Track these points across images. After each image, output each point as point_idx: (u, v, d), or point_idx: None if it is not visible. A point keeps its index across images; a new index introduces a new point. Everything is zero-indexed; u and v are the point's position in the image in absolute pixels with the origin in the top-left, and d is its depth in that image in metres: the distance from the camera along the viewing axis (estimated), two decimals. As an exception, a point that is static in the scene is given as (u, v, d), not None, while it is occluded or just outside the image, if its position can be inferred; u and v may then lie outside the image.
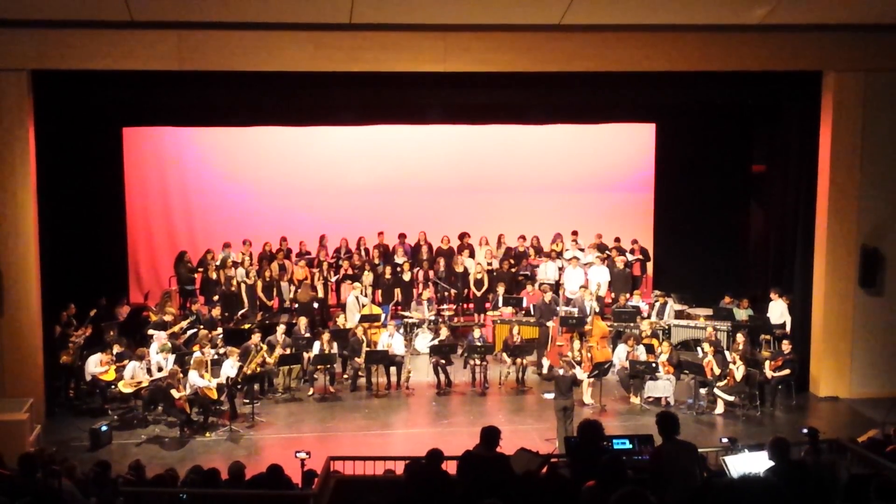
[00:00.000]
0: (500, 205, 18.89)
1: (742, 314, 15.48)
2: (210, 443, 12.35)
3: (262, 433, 12.69)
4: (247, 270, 16.79)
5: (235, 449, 12.07)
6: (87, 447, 11.92)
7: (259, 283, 16.72)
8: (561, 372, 12.08)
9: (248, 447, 12.17)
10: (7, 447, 9.54)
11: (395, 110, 16.02)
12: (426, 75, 13.37)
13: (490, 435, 7.20)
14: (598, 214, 18.92)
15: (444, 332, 14.95)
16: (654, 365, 13.74)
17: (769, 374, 13.56)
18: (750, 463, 7.47)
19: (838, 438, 9.74)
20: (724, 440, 9.50)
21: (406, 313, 16.70)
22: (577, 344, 13.89)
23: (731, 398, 13.31)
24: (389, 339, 14.70)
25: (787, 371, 13.61)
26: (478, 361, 14.61)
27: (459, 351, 15.01)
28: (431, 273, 17.46)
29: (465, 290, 17.36)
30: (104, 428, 12.23)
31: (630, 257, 17.73)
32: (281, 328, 14.51)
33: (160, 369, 13.35)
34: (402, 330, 15.80)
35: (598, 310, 15.44)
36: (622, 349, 14.22)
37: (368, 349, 14.58)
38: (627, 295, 16.30)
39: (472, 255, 17.91)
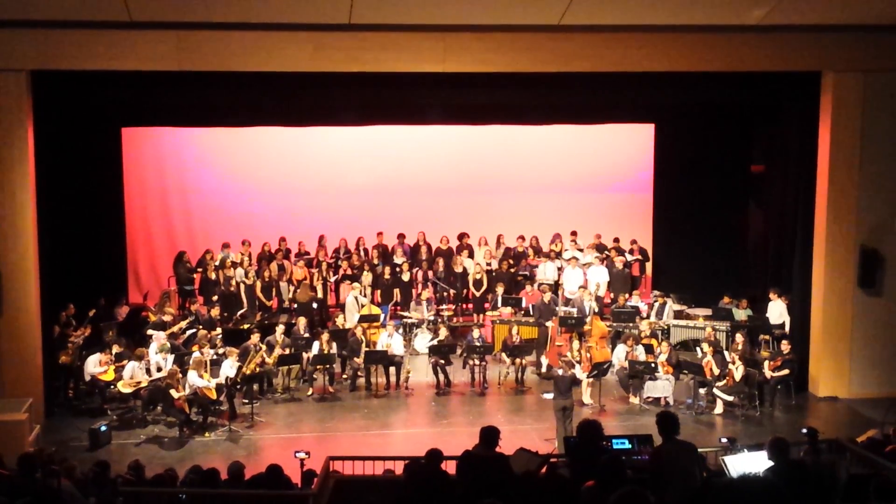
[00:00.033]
0: (499, 205, 18.89)
1: (741, 314, 15.49)
2: (209, 443, 12.35)
3: (261, 433, 12.69)
4: (246, 271, 16.78)
5: (235, 449, 12.07)
6: (87, 447, 11.91)
7: (258, 284, 16.72)
8: (560, 372, 12.08)
9: (248, 447, 12.17)
10: (6, 447, 9.53)
11: (395, 110, 16.03)
12: (426, 75, 13.37)
13: (489, 435, 7.20)
14: (597, 215, 18.92)
15: (443, 333, 14.94)
16: (653, 365, 13.74)
17: (768, 374, 13.56)
18: (749, 463, 7.47)
19: (837, 438, 9.75)
20: (724, 440, 9.49)
21: (405, 313, 16.70)
22: (576, 344, 13.90)
23: (730, 398, 13.32)
24: (389, 340, 14.70)
25: (786, 371, 13.61)
26: (477, 361, 14.61)
27: (459, 351, 15.01)
28: (430, 273, 17.46)
29: (465, 291, 17.36)
30: (103, 428, 12.23)
31: (629, 257, 17.73)
32: (280, 328, 14.51)
33: (159, 369, 13.34)
34: (401, 330, 15.80)
35: (597, 310, 15.45)
36: (621, 349, 14.23)
37: (367, 349, 14.58)
38: (626, 295, 16.30)
39: (471, 256, 17.91)
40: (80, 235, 15.18)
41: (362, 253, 17.78)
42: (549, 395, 12.99)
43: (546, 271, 17.15)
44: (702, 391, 13.53)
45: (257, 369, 13.58)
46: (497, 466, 6.73)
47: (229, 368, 13.06)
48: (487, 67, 13.31)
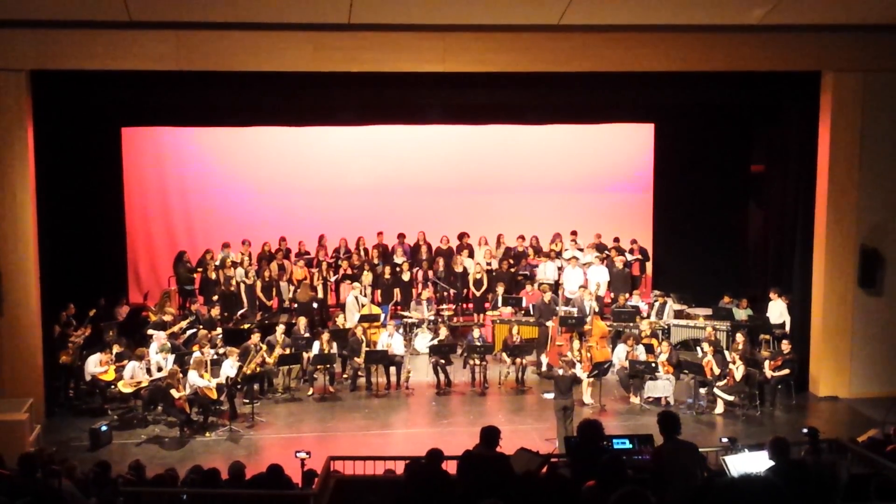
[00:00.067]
0: (499, 205, 18.89)
1: (741, 314, 15.49)
2: (210, 443, 12.35)
3: (261, 433, 12.70)
4: (246, 270, 16.79)
5: (235, 449, 12.08)
6: (87, 447, 11.92)
7: (258, 283, 16.72)
8: (560, 372, 12.09)
9: (248, 447, 12.17)
10: (7, 447, 9.53)
11: (395, 110, 16.03)
12: (426, 75, 13.37)
13: (490, 435, 7.20)
14: (597, 214, 18.92)
15: (443, 332, 14.95)
16: (653, 365, 13.74)
17: (769, 373, 13.56)
18: (750, 463, 7.47)
19: (838, 438, 9.76)
20: (724, 440, 9.49)
21: (405, 313, 16.70)
22: (576, 344, 13.91)
23: (730, 398, 13.32)
24: (389, 339, 14.70)
25: (786, 371, 13.61)
26: (477, 361, 14.61)
27: (459, 351, 15.01)
28: (431, 273, 17.45)
29: (465, 290, 17.36)
30: (104, 428, 12.23)
31: (629, 257, 17.73)
32: (280, 328, 14.51)
33: (160, 369, 13.35)
34: (401, 330, 15.81)
35: (597, 310, 15.45)
36: (622, 349, 14.23)
37: (368, 349, 14.58)
38: (627, 295, 16.31)
39: (471, 255, 17.91)
40: (80, 235, 15.18)
41: (362, 253, 17.78)
42: (550, 395, 12.99)
43: (546, 271, 17.16)
44: (702, 391, 13.53)
45: (258, 369, 13.58)
46: (498, 466, 6.72)
47: (230, 368, 13.06)
48: (487, 67, 13.31)
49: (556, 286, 16.74)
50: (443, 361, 14.45)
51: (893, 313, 14.20)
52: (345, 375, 14.80)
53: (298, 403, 13.93)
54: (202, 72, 12.98)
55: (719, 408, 13.37)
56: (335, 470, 9.27)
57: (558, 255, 17.69)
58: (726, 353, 13.86)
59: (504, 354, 15.02)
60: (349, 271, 17.21)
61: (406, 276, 17.19)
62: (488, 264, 17.48)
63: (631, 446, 7.83)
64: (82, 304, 14.50)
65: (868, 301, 14.15)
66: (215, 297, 16.31)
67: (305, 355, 14.46)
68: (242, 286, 16.61)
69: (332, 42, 12.97)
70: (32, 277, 12.78)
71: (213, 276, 16.63)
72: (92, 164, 15.89)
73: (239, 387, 13.29)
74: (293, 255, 17.69)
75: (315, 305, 16.69)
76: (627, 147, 19.09)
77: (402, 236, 18.23)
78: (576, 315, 15.14)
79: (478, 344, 14.58)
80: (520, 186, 18.87)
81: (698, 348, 14.27)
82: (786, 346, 13.86)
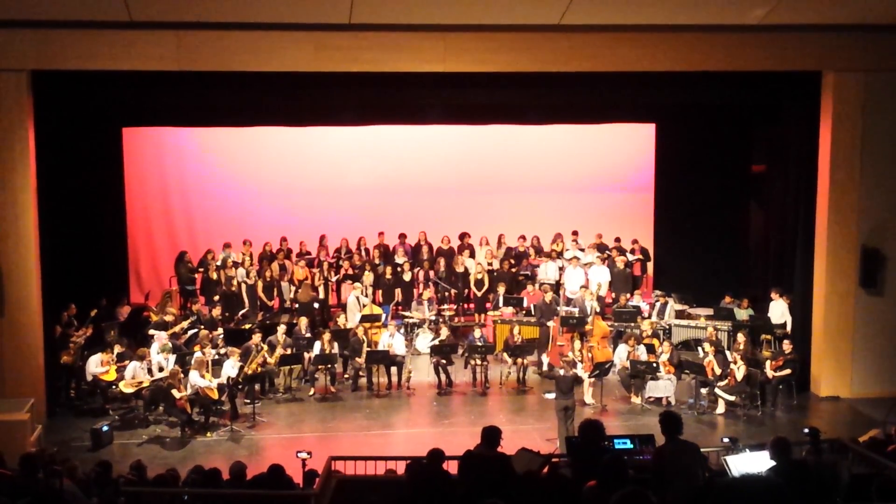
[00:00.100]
0: (500, 205, 18.90)
1: (743, 314, 15.49)
2: (211, 443, 12.35)
3: (263, 433, 12.70)
4: (247, 270, 16.80)
5: (236, 449, 12.08)
6: (89, 447, 11.92)
7: (259, 284, 16.73)
8: (562, 372, 12.08)
9: (250, 447, 12.17)
10: (8, 447, 9.53)
11: (395, 110, 16.04)
12: (426, 75, 13.36)
13: (491, 435, 7.19)
14: (598, 214, 18.93)
15: (444, 332, 14.95)
16: (654, 365, 13.74)
17: (770, 373, 13.55)
18: (751, 463, 7.46)
19: (839, 438, 9.75)
20: (726, 440, 9.48)
21: (407, 313, 16.70)
22: (577, 344, 13.90)
23: (731, 398, 13.31)
24: (390, 339, 14.70)
25: (787, 371, 13.60)
26: (478, 361, 14.61)
27: (460, 351, 15.01)
28: (432, 273, 17.45)
29: (466, 290, 17.36)
30: (105, 428, 12.23)
31: (630, 257, 17.73)
32: (281, 328, 14.50)
33: (161, 369, 13.35)
34: (402, 330, 15.81)
35: (598, 310, 15.45)
36: (623, 349, 14.22)
37: (369, 349, 14.58)
38: (628, 295, 16.30)
39: (472, 255, 17.91)
40: (81, 235, 15.19)
41: (363, 253, 17.78)
42: (551, 395, 12.99)
43: (547, 271, 17.16)
44: (703, 391, 13.52)
45: (259, 369, 13.58)
46: (499, 466, 6.73)
47: (231, 368, 13.07)
48: (488, 67, 13.31)
49: (557, 286, 16.75)
50: (444, 361, 14.45)
51: (894, 313, 14.18)
52: (346, 375, 14.81)
53: (300, 403, 13.93)
54: (203, 72, 12.98)
55: (720, 408, 13.36)
56: (336, 470, 9.27)
57: (559, 255, 17.70)
58: (727, 353, 13.85)
59: (505, 354, 15.01)
60: (350, 271, 17.21)
61: (407, 277, 17.20)
62: (489, 264, 17.48)
63: (632, 446, 7.83)
64: (83, 304, 14.50)
65: (869, 301, 14.14)
66: (216, 298, 16.31)
67: (307, 355, 14.46)
68: (244, 286, 16.61)
69: (332, 42, 12.97)
70: (34, 277, 12.79)
71: (215, 276, 16.64)
72: (93, 164, 15.89)
73: (240, 387, 13.29)
74: (294, 256, 17.69)
75: (316, 305, 16.69)
76: (628, 147, 19.09)
77: (403, 236, 18.23)
78: (577, 315, 15.13)
79: (479, 344, 14.58)
80: (521, 186, 18.87)
81: (699, 348, 14.26)
82: (787, 346, 13.85)
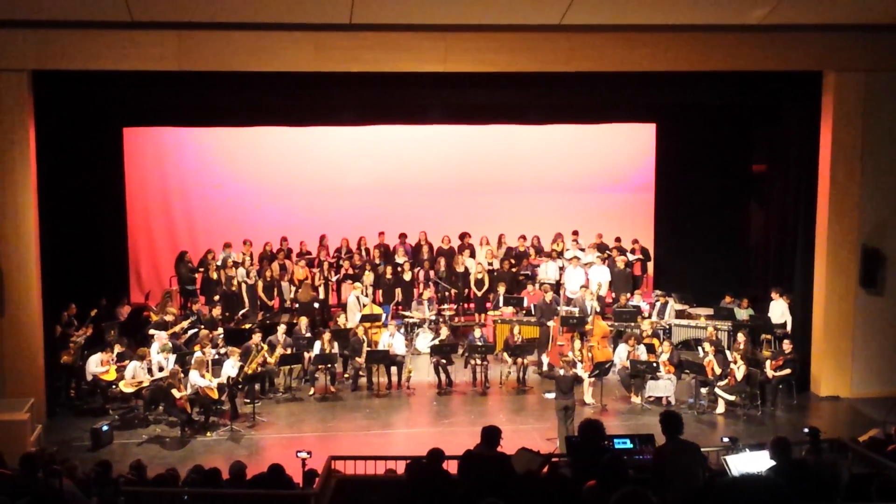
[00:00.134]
0: (500, 205, 18.90)
1: (743, 314, 15.49)
2: (211, 442, 12.35)
3: (263, 433, 12.70)
4: (247, 270, 16.80)
5: (236, 448, 12.08)
6: (89, 447, 11.92)
7: (260, 283, 16.73)
8: (562, 372, 12.08)
9: (250, 447, 12.17)
10: (8, 447, 9.53)
11: (396, 110, 16.04)
12: (427, 75, 13.37)
13: (491, 434, 7.20)
14: (598, 214, 18.93)
15: (444, 332, 14.95)
16: (654, 364, 13.74)
17: (770, 373, 13.55)
18: (751, 462, 7.47)
19: (839, 438, 9.74)
20: (726, 440, 9.49)
21: (407, 313, 16.70)
22: (577, 343, 13.90)
23: (731, 398, 13.31)
24: (390, 339, 14.70)
25: (787, 370, 13.60)
26: (479, 361, 14.61)
27: (460, 351, 15.02)
28: (432, 273, 17.45)
29: (466, 290, 17.37)
30: (105, 428, 12.24)
31: (631, 257, 17.73)
32: (282, 328, 14.51)
33: (161, 369, 13.35)
34: (402, 330, 15.81)
35: (598, 309, 15.45)
36: (623, 349, 14.22)
37: (369, 349, 14.58)
38: (628, 295, 16.30)
39: (472, 255, 17.92)
40: (81, 235, 15.19)
41: (364, 252, 17.79)
42: (551, 395, 12.99)
43: (548, 271, 17.16)
44: (703, 391, 13.52)
45: (259, 369, 13.58)
46: (499, 466, 6.73)
47: (231, 368, 13.07)
48: (488, 67, 13.31)
49: (557, 286, 16.75)
50: (444, 361, 14.46)
51: (894, 313, 14.18)
52: (346, 375, 14.81)
53: (300, 403, 13.93)
54: (203, 72, 12.98)
55: (720, 407, 13.36)
56: (336, 469, 9.27)
57: (560, 254, 17.70)
58: (727, 352, 13.85)
59: (505, 354, 15.01)
60: (350, 271, 17.22)
61: (407, 276, 17.20)
62: (490, 264, 17.49)
63: (632, 446, 7.83)
64: (84, 304, 14.51)
65: (869, 301, 14.13)
66: (217, 297, 16.32)
67: (307, 355, 14.46)
68: (244, 286, 16.62)
69: (333, 42, 12.97)
70: (34, 277, 12.79)
71: (215, 275, 16.65)
72: (93, 164, 15.90)
73: (240, 387, 13.30)
74: (294, 255, 17.70)
75: (316, 305, 16.70)
76: (628, 147, 19.09)
77: (403, 236, 18.23)
78: (577, 315, 15.13)
79: (479, 344, 14.58)
80: (521, 186, 18.88)
81: (699, 348, 14.26)
82: (787, 345, 13.85)
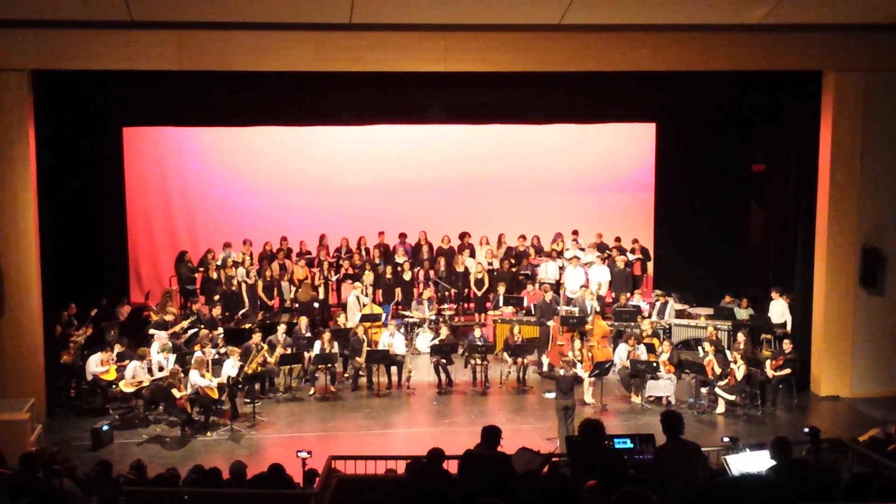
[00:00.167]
0: (500, 204, 18.91)
1: (743, 313, 15.49)
2: (211, 442, 12.35)
3: (263, 432, 12.70)
4: (247, 270, 16.80)
5: (237, 448, 12.08)
6: (89, 447, 11.92)
7: (260, 283, 16.73)
8: (562, 371, 12.08)
9: (250, 446, 12.17)
10: (8, 447, 9.52)
11: (396, 110, 16.05)
12: (427, 75, 13.37)
13: (491, 434, 7.20)
14: (598, 214, 18.94)
15: (444, 332, 14.95)
16: (655, 364, 13.75)
17: (770, 373, 13.56)
18: (751, 462, 7.47)
19: (839, 438, 9.74)
20: (726, 439, 9.48)
21: (407, 313, 16.71)
22: (577, 343, 13.90)
23: (732, 397, 13.31)
24: (390, 339, 14.70)
25: (788, 370, 13.60)
26: (479, 361, 14.61)
27: (460, 350, 15.01)
28: (432, 273, 17.46)
29: (466, 290, 17.37)
30: (105, 427, 12.24)
31: (630, 257, 17.74)
32: (282, 328, 14.51)
33: (161, 369, 13.36)
34: (402, 329, 15.82)
35: (598, 309, 15.45)
36: (623, 348, 14.22)
37: (369, 349, 14.59)
38: (628, 294, 16.30)
39: (472, 255, 17.92)
40: (81, 235, 15.19)
41: (364, 252, 17.79)
42: (551, 395, 12.98)
43: (547, 270, 17.16)
44: (703, 390, 13.52)
45: (259, 369, 13.59)
46: (499, 466, 6.73)
47: (231, 368, 13.07)
48: (489, 67, 13.31)
49: (557, 286, 16.75)
50: (444, 361, 14.46)
51: (894, 313, 14.18)
52: (346, 375, 14.81)
53: (300, 403, 13.94)
54: (203, 72, 12.99)
55: (720, 407, 13.36)
56: (336, 469, 9.27)
57: (560, 254, 17.70)
58: (728, 352, 13.85)
59: (505, 354, 15.02)
60: (350, 271, 17.22)
61: (407, 276, 17.20)
62: (489, 264, 17.49)
63: (632, 446, 7.82)
64: (84, 304, 14.51)
65: (869, 300, 14.14)
66: (217, 297, 16.32)
67: (307, 355, 14.47)
68: (244, 286, 16.62)
69: (333, 42, 12.98)
70: (34, 277, 12.79)
71: (215, 275, 16.65)
72: (93, 163, 15.90)
73: (240, 386, 13.30)
74: (294, 255, 17.70)
75: (316, 305, 16.70)
76: (628, 147, 19.10)
77: (403, 236, 18.23)
78: (577, 315, 15.13)
79: (479, 343, 14.58)
80: (521, 186, 18.89)
81: (699, 348, 14.26)
82: (787, 345, 13.85)
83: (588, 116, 17.47)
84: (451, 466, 6.91)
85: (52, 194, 13.29)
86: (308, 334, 14.95)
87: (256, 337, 13.89)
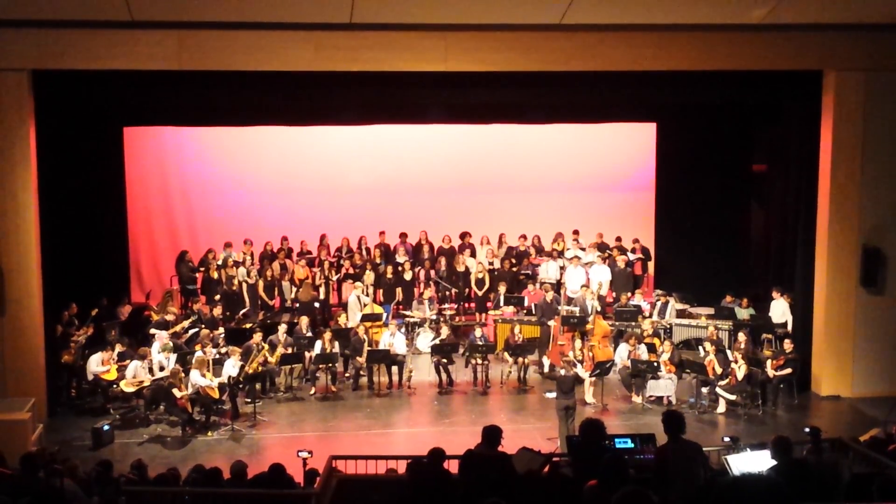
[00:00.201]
0: (501, 204, 18.90)
1: (743, 313, 15.48)
2: (212, 442, 12.36)
3: (263, 432, 12.70)
4: (248, 270, 16.81)
5: (237, 448, 12.08)
6: (89, 446, 11.92)
7: (260, 283, 16.74)
8: (562, 371, 12.08)
9: (250, 446, 12.17)
10: (9, 447, 9.55)
11: (397, 110, 16.05)
12: (427, 75, 13.37)
13: (492, 434, 7.19)
14: (599, 214, 18.93)
15: (445, 332, 14.96)
16: (655, 364, 13.74)
17: (771, 373, 13.55)
18: (752, 462, 7.47)
19: (840, 437, 9.73)
20: (726, 439, 9.49)
21: (407, 312, 16.70)
22: (578, 343, 13.90)
23: (732, 397, 13.31)
24: (391, 339, 14.71)
25: (788, 370, 13.60)
26: (479, 361, 14.61)
27: (461, 350, 15.02)
28: (433, 272, 17.46)
29: (467, 290, 17.36)
30: (106, 427, 12.24)
31: (631, 256, 17.73)
32: (282, 327, 14.52)
33: (162, 368, 13.36)
34: (403, 329, 15.82)
35: (599, 309, 15.44)
36: (624, 348, 14.22)
37: (370, 348, 14.59)
38: (629, 294, 16.30)
39: (473, 255, 17.92)
40: (82, 235, 15.21)
41: (364, 252, 17.79)
42: (552, 395, 12.99)
43: (548, 270, 17.17)
44: (704, 390, 13.52)
45: (260, 368, 13.59)
46: (499, 466, 6.73)
47: (232, 367, 13.08)
48: (489, 67, 13.31)
49: (558, 285, 16.75)
50: (445, 361, 14.46)
51: (895, 312, 14.17)
52: (347, 375, 14.81)
53: (300, 403, 13.94)
54: (204, 71, 12.99)
55: (721, 407, 13.36)
56: (337, 469, 9.27)
57: (560, 254, 17.70)
58: (728, 352, 13.85)
59: (506, 354, 15.01)
60: (351, 271, 17.22)
61: (408, 276, 17.20)
62: (490, 264, 17.49)
63: (633, 446, 7.83)
64: (84, 304, 14.52)
65: (870, 300, 14.13)
66: (217, 297, 16.33)
67: (307, 355, 14.47)
68: (244, 285, 16.62)
69: (333, 41, 12.98)
70: (34, 277, 12.79)
71: (216, 275, 16.66)
72: (94, 163, 15.91)
73: (241, 386, 13.30)
74: (295, 255, 17.71)
75: (317, 305, 16.70)
76: (629, 146, 19.10)
77: (404, 235, 18.23)
78: (578, 314, 15.13)
79: (480, 343, 14.58)
80: (521, 186, 18.88)
81: (700, 348, 14.26)
82: (788, 345, 13.85)
83: (588, 116, 17.47)
84: (452, 466, 6.92)
85: (53, 194, 13.29)
86: (309, 334, 14.95)
87: (257, 337, 13.89)
